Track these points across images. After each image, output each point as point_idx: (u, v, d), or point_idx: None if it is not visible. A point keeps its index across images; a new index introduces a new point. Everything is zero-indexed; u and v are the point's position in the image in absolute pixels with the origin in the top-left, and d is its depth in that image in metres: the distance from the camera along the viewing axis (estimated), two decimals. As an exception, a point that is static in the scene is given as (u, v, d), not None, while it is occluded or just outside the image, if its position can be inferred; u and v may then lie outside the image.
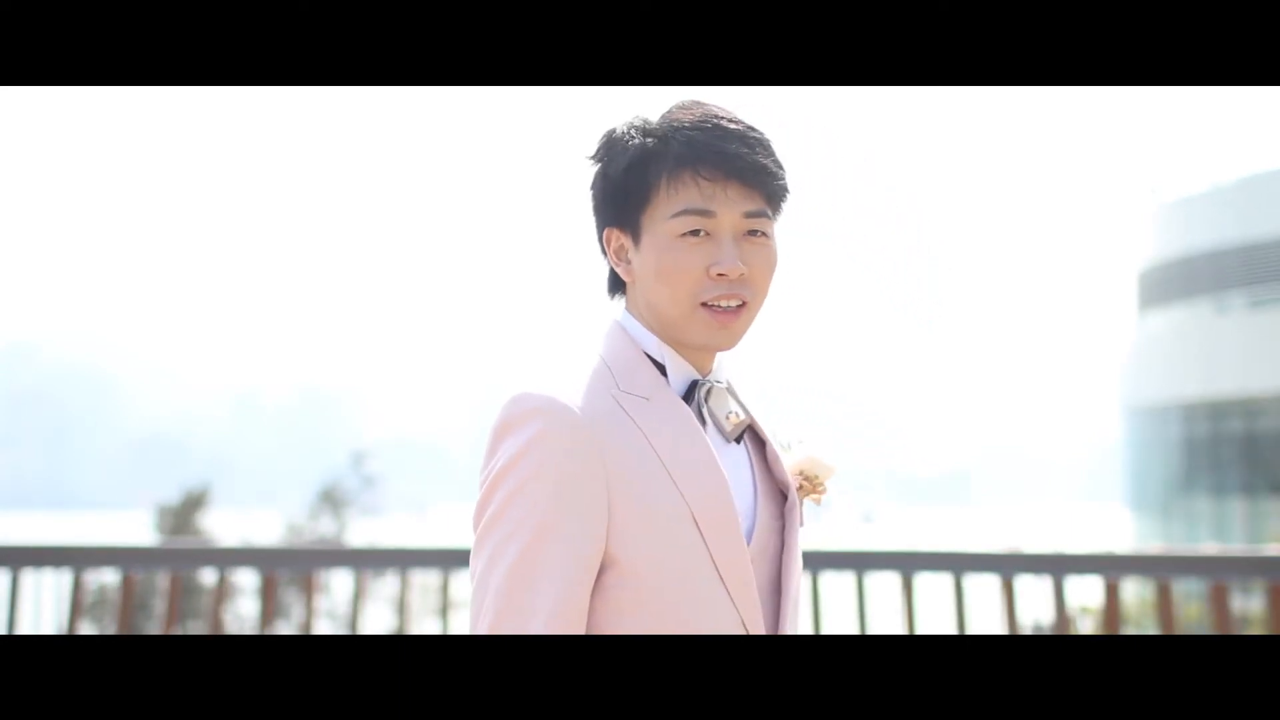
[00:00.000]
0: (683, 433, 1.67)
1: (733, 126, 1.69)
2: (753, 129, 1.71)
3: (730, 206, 1.67)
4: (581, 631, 1.60)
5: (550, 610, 1.58)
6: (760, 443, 1.81)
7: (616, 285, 1.79)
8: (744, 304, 1.70)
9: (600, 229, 1.77)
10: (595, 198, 1.76)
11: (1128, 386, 27.84)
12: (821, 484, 1.82)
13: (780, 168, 1.72)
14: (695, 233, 1.67)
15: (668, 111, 1.73)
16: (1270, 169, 23.91)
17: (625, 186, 1.70)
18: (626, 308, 1.78)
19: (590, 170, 1.77)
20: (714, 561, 1.64)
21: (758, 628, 1.68)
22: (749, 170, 1.68)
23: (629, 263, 1.73)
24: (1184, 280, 24.96)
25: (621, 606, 1.62)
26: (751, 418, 1.79)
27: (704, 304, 1.68)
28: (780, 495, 1.79)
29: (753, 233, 1.70)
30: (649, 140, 1.70)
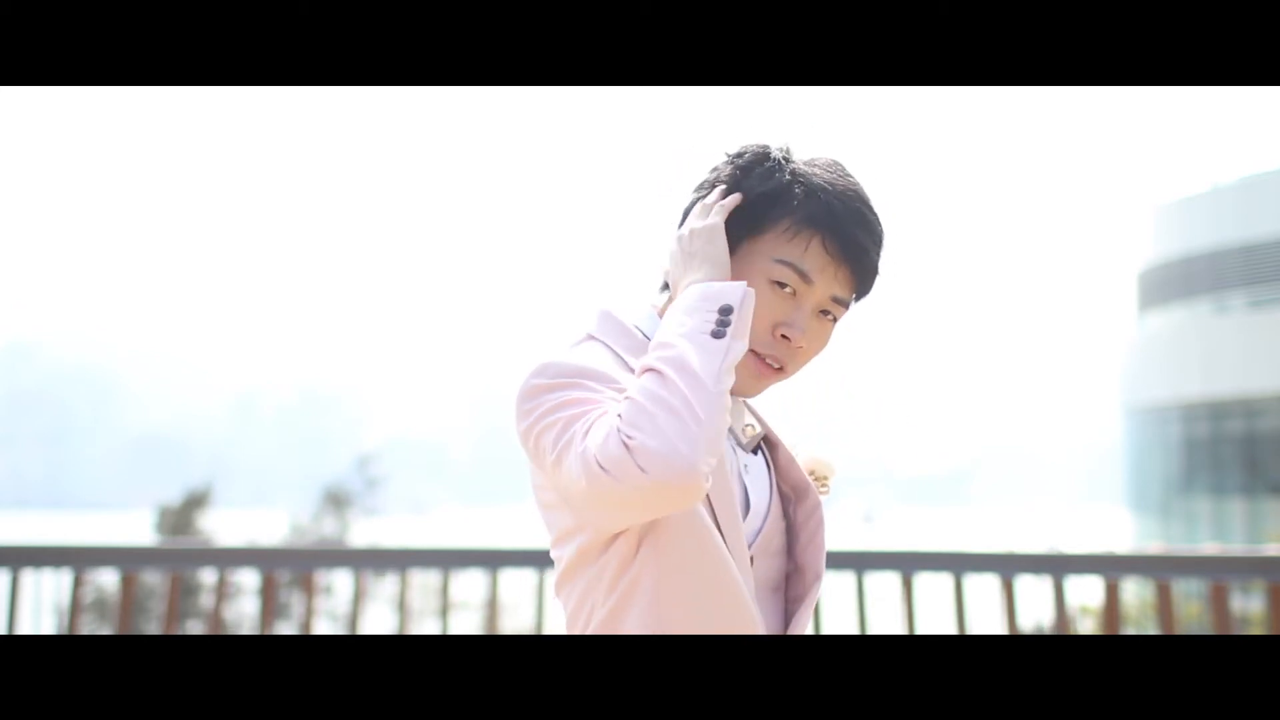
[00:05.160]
0: None
1: (869, 216, 1.72)
2: (880, 226, 1.74)
3: (827, 285, 1.71)
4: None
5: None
6: (773, 446, 1.86)
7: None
8: (783, 369, 1.74)
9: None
10: (711, 196, 1.76)
11: (1128, 386, 27.81)
12: (827, 482, 1.89)
13: (880, 270, 1.76)
14: (784, 286, 1.70)
15: (812, 161, 1.74)
16: (1270, 169, 23.88)
17: (750, 206, 1.71)
18: (658, 304, 1.80)
19: (718, 164, 1.78)
20: (718, 523, 1.68)
21: (746, 574, 1.70)
22: (863, 266, 1.72)
23: None
24: (1184, 280, 24.93)
25: (668, 571, 1.64)
26: (767, 428, 1.84)
27: (753, 351, 1.71)
28: (784, 497, 1.83)
29: (825, 313, 1.74)
30: (797, 184, 1.71)
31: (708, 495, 1.67)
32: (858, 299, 1.76)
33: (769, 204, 1.71)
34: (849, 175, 1.75)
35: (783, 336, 1.71)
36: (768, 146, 1.76)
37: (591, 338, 1.75)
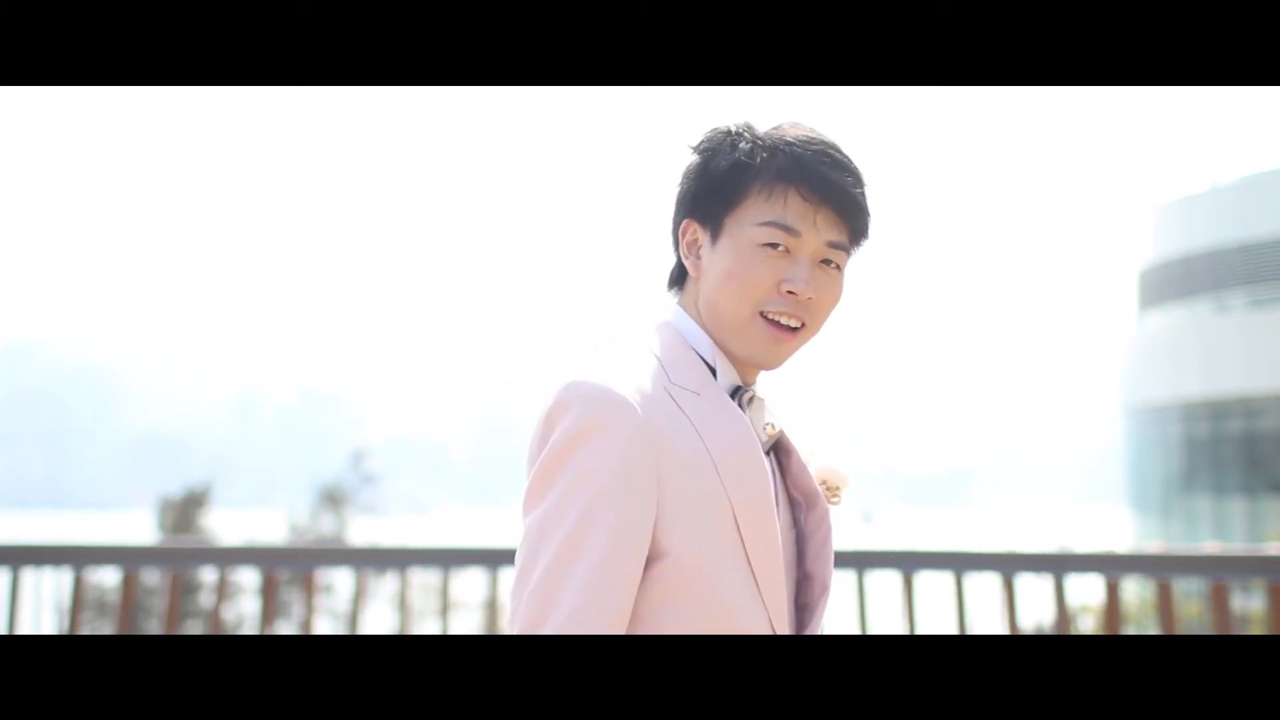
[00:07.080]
0: (733, 431, 1.69)
1: (838, 156, 1.72)
2: (854, 163, 1.73)
3: (816, 232, 1.70)
4: (615, 624, 1.59)
5: (577, 605, 1.57)
6: (785, 451, 1.82)
7: (676, 279, 1.82)
8: (802, 326, 1.72)
9: (679, 218, 1.78)
10: (685, 187, 1.78)
11: (1128, 386, 27.82)
12: (838, 493, 1.86)
13: (870, 208, 1.74)
14: (775, 246, 1.69)
15: (777, 126, 1.75)
16: (1270, 169, 23.89)
17: (720, 184, 1.72)
18: (681, 303, 1.80)
19: (687, 159, 1.78)
20: (749, 560, 1.66)
21: (783, 627, 1.70)
22: (844, 201, 1.70)
23: (699, 258, 1.75)
24: (1184, 280, 24.94)
25: (671, 594, 1.63)
26: (782, 432, 1.81)
27: (764, 315, 1.70)
28: (794, 504, 1.81)
29: (827, 262, 1.72)
30: (758, 147, 1.71)
31: (746, 553, 1.65)
32: (856, 242, 1.74)
33: (737, 174, 1.71)
34: (812, 129, 1.75)
35: (789, 292, 1.69)
36: (726, 125, 1.76)
37: (645, 349, 1.73)
